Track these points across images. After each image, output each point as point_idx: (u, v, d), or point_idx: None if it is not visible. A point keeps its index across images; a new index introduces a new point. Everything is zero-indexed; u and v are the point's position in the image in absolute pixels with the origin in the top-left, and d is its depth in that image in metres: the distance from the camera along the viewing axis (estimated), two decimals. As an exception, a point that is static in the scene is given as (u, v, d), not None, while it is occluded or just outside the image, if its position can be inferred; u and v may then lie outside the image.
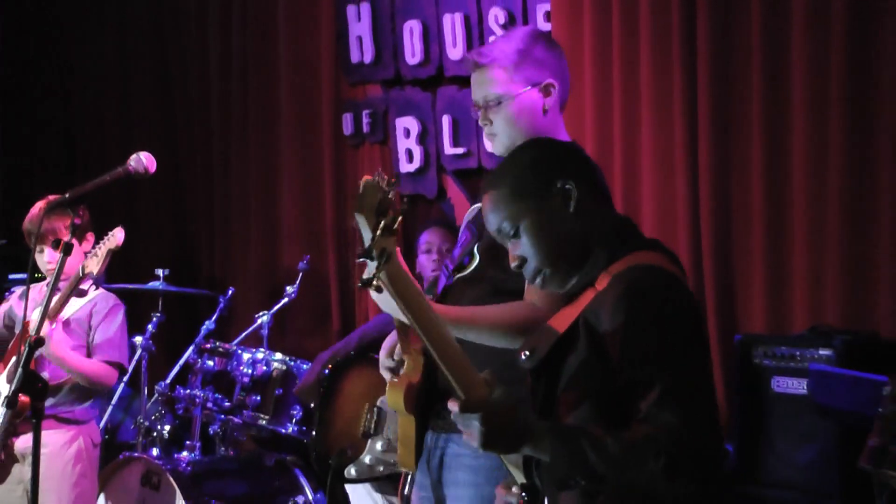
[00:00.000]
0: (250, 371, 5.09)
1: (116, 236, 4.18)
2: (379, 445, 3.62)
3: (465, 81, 5.28)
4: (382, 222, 2.34)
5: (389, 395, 3.19)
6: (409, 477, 3.32)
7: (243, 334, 5.48)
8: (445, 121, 5.49)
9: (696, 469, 2.19)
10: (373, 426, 3.64)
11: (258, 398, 4.99)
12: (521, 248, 2.45)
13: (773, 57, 4.32)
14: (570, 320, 2.38)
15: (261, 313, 5.47)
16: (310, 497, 5.04)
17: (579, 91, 4.84)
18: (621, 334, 2.25)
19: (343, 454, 4.09)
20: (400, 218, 2.33)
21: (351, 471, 3.72)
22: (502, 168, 2.58)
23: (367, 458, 3.63)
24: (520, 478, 2.47)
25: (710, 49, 4.48)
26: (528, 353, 2.44)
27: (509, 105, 3.18)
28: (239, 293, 5.81)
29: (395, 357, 3.20)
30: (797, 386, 3.74)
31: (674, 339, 2.26)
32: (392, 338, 3.24)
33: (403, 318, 2.58)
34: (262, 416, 4.97)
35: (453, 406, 2.27)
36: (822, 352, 3.71)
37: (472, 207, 3.45)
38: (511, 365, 2.53)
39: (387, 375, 3.29)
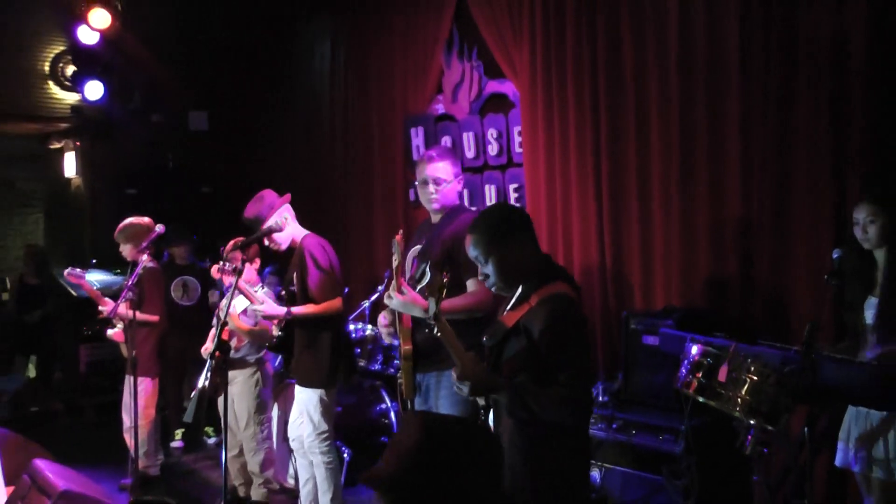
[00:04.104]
0: (357, 334, 5.03)
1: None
2: None
3: (474, 170, 5.35)
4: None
5: (402, 349, 3.21)
6: (410, 403, 3.31)
7: (356, 312, 5.40)
8: (465, 193, 5.42)
9: (584, 414, 2.35)
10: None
11: (359, 350, 4.95)
12: (488, 269, 2.42)
13: (642, 153, 4.31)
14: (514, 321, 2.37)
15: (363, 301, 5.44)
16: (388, 405, 5.06)
17: (536, 172, 4.87)
18: (546, 338, 2.27)
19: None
20: None
21: None
22: (482, 220, 2.47)
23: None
24: (482, 402, 2.47)
25: (607, 149, 4.48)
26: (488, 337, 2.45)
27: (447, 186, 3.29)
28: (352, 290, 5.76)
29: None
30: (655, 341, 3.71)
31: (575, 342, 2.29)
32: (385, 316, 3.38)
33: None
34: (362, 359, 4.95)
35: (455, 373, 2.33)
36: (668, 321, 3.69)
37: (414, 248, 3.48)
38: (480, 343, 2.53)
39: (385, 332, 3.40)
